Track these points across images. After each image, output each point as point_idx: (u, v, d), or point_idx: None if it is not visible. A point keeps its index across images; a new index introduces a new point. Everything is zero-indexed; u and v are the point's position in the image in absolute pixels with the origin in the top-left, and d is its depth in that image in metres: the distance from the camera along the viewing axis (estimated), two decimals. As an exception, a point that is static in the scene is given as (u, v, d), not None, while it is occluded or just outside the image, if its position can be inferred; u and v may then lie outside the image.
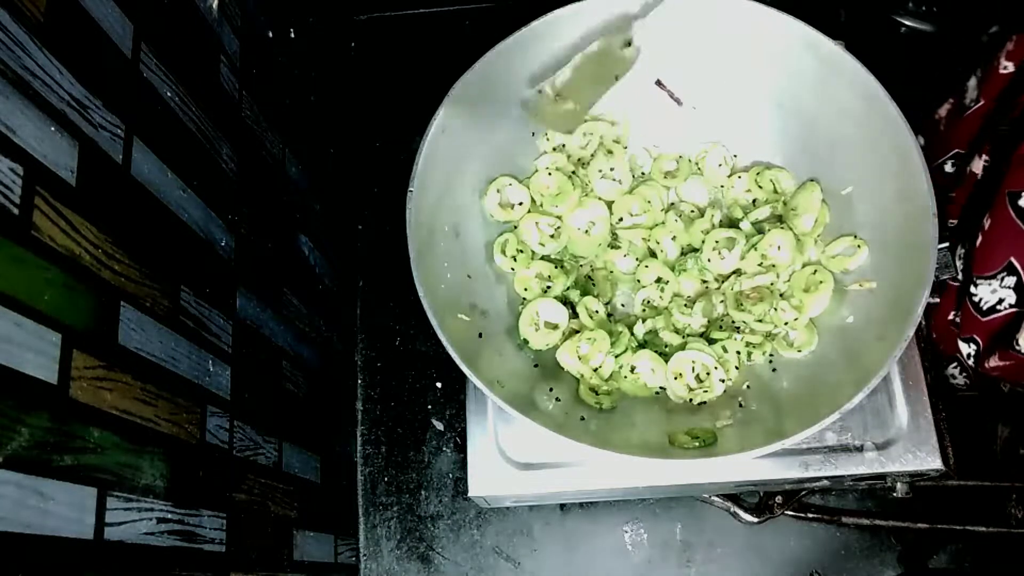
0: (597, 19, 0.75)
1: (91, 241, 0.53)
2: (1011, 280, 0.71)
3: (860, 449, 0.72)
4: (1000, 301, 0.72)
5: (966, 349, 0.77)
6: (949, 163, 0.87)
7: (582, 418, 0.69)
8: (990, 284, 0.72)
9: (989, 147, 0.78)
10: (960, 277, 0.78)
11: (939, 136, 0.89)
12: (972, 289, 0.73)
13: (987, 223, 0.72)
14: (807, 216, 0.75)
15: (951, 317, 0.81)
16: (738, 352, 0.73)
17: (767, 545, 1.08)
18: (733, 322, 0.75)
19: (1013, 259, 0.70)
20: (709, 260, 0.76)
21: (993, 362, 0.74)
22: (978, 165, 0.79)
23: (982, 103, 0.81)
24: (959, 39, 1.09)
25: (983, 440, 0.98)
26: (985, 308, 0.73)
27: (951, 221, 0.82)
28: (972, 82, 0.83)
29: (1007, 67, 0.78)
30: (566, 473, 0.73)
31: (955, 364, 0.85)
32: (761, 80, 0.77)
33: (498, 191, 0.78)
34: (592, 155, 0.80)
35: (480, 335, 0.72)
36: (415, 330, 1.21)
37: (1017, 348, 0.70)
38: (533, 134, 0.80)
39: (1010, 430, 0.96)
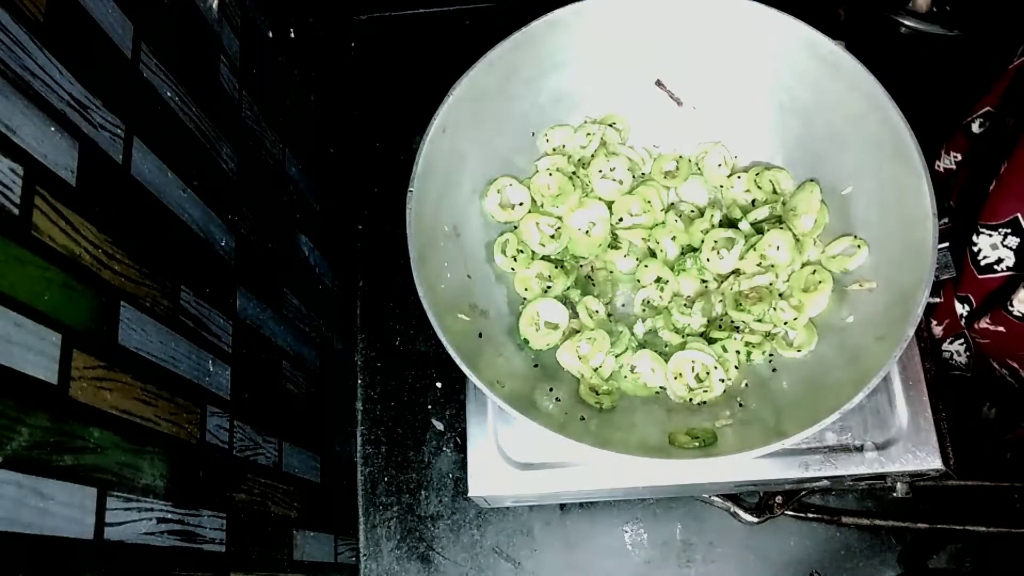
0: (597, 19, 0.75)
1: (91, 241, 0.53)
2: (1013, 241, 0.68)
3: (860, 449, 0.72)
4: (999, 261, 0.70)
5: (959, 309, 0.76)
6: (977, 122, 0.84)
7: (582, 418, 0.69)
8: (991, 237, 0.70)
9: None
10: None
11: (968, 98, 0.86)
12: (974, 238, 0.71)
13: (1003, 168, 0.69)
14: (806, 216, 0.75)
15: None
16: (737, 352, 0.73)
17: (767, 545, 1.08)
18: (732, 322, 0.75)
19: (1020, 216, 0.67)
20: (708, 260, 0.76)
21: (984, 323, 0.72)
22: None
23: (1021, 59, 0.77)
24: (961, 39, 1.09)
25: (976, 427, 0.97)
26: (983, 264, 0.71)
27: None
28: None
29: None
30: (566, 473, 0.73)
31: (961, 340, 0.84)
32: (761, 80, 0.77)
33: (498, 192, 0.78)
34: (592, 155, 0.80)
35: (480, 335, 0.72)
36: (415, 330, 1.21)
37: (1010, 310, 0.68)
38: (533, 134, 0.80)
39: (996, 411, 0.95)
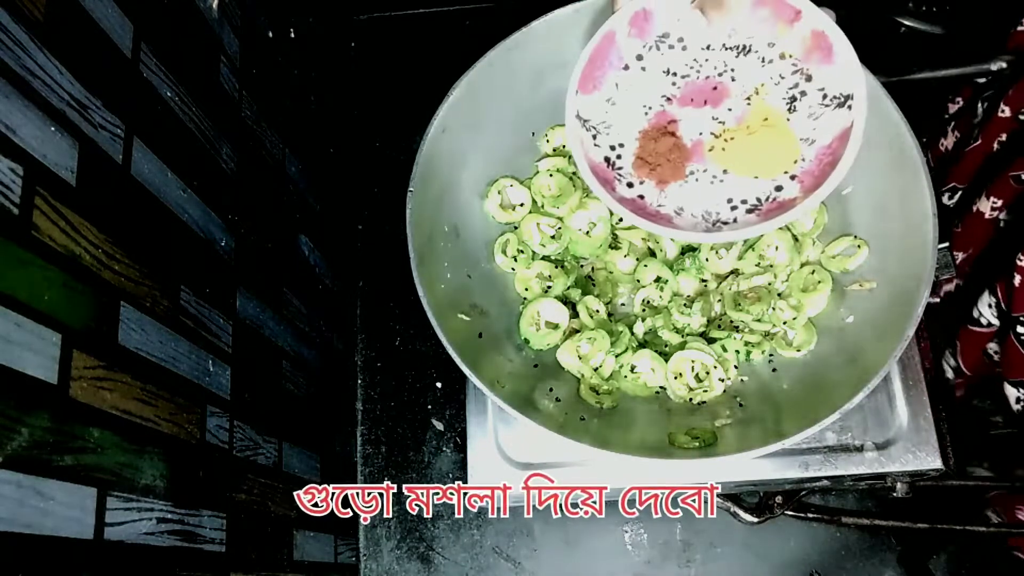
0: (597, 19, 0.75)
1: (91, 241, 0.53)
2: None
3: (860, 449, 0.72)
4: None
5: (1014, 394, 0.76)
6: (946, 195, 0.88)
7: (582, 418, 0.69)
8: None
9: (1000, 190, 0.78)
10: (996, 320, 0.77)
11: (939, 167, 0.90)
12: (1020, 329, 0.72)
13: (1022, 262, 0.71)
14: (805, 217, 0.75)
15: (988, 347, 0.81)
16: (737, 351, 0.73)
17: (767, 545, 1.08)
18: (732, 321, 0.75)
19: None
20: (707, 260, 0.76)
21: None
22: (985, 205, 0.79)
23: (980, 142, 0.82)
24: (960, 40, 1.09)
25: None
26: None
27: (955, 254, 0.84)
28: (977, 119, 0.84)
29: (1004, 111, 0.78)
30: (566, 473, 0.73)
31: (988, 402, 0.85)
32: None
33: (499, 192, 0.78)
34: (592, 155, 0.80)
35: (480, 335, 0.72)
36: (415, 330, 1.21)
37: None
38: (533, 134, 0.80)
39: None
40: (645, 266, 0.77)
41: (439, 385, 1.18)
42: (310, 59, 1.07)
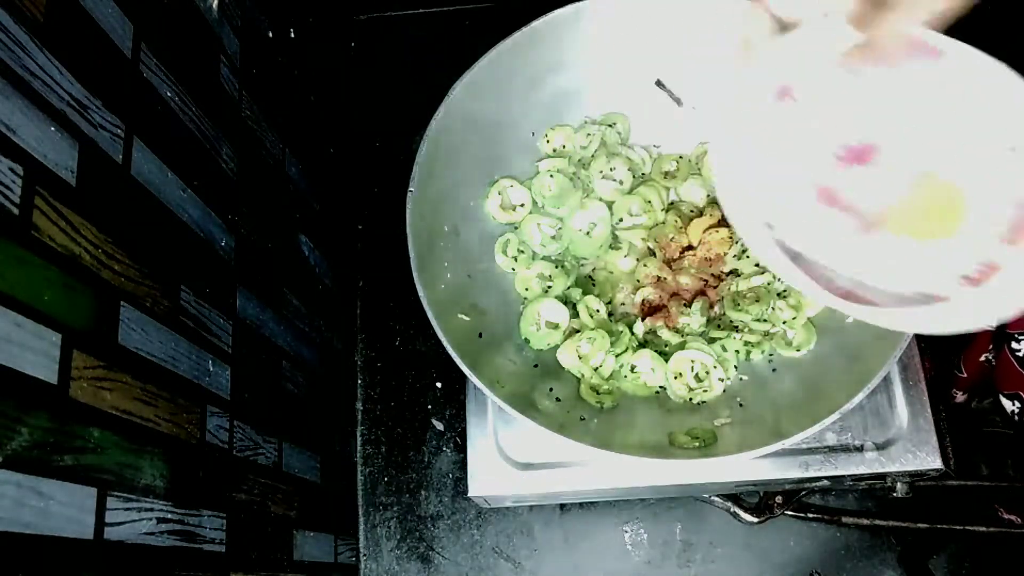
0: (597, 19, 0.75)
1: (91, 241, 0.53)
2: None
3: (860, 449, 0.72)
4: None
5: (1010, 406, 0.76)
6: None
7: (582, 418, 0.69)
8: None
9: None
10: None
11: None
12: (1015, 344, 0.73)
13: None
14: (807, 216, 0.75)
15: (983, 359, 0.81)
16: (737, 351, 0.73)
17: (767, 545, 1.08)
18: (731, 321, 0.75)
19: None
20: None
21: None
22: None
23: None
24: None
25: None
26: None
27: None
28: None
29: None
30: (566, 473, 0.73)
31: (988, 401, 0.86)
32: (761, 80, 0.77)
33: (499, 193, 0.78)
34: (593, 156, 0.80)
35: (480, 335, 0.72)
36: (415, 330, 1.21)
37: None
38: (533, 134, 0.80)
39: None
40: (645, 266, 0.77)
41: (439, 385, 1.18)
42: (310, 59, 1.07)
